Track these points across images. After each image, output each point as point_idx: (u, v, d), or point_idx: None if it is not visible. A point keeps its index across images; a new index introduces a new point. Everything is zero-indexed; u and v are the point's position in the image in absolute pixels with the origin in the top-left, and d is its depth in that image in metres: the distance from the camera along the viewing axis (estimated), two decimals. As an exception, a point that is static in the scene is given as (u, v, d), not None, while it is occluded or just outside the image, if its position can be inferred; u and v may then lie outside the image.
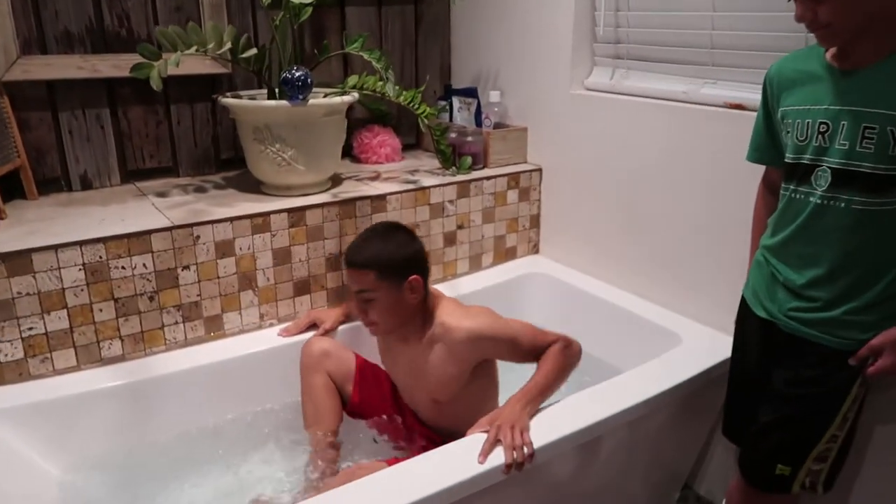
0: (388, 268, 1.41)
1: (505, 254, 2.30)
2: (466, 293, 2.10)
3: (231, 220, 1.74)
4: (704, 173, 1.76)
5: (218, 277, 1.76)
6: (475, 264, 2.23)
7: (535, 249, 2.37)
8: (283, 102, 1.79)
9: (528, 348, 1.45)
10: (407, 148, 2.50)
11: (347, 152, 2.41)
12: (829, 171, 1.18)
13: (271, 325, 1.87)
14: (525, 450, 1.28)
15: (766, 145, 1.38)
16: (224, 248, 1.75)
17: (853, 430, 1.29)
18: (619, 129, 1.98)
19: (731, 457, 1.63)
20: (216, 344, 1.78)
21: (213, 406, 1.71)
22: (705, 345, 1.72)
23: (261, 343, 1.80)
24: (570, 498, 1.55)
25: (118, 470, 1.57)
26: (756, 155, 1.43)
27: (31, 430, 1.52)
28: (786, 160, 1.27)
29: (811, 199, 1.21)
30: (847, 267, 1.21)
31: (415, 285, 1.43)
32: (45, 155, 1.92)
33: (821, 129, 1.19)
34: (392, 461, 1.44)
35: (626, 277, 2.05)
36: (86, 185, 1.99)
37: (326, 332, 1.76)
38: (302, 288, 1.90)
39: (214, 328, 1.79)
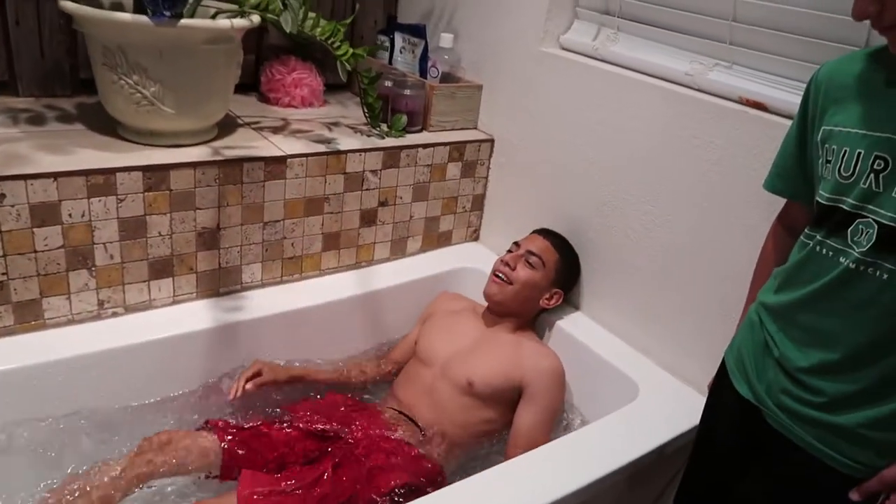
0: (564, 268, 1.58)
1: (437, 239, 1.87)
2: (383, 287, 1.69)
3: (55, 176, 1.26)
4: (702, 184, 1.36)
5: (35, 251, 1.29)
6: (398, 249, 1.80)
7: (475, 236, 1.95)
8: (144, 18, 1.28)
9: (530, 431, 1.39)
10: (333, 89, 2.00)
11: (254, 87, 1.90)
12: (874, 225, 0.84)
13: (115, 314, 1.42)
14: None
15: (794, 173, 1.03)
16: (45, 214, 1.27)
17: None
18: (596, 105, 1.54)
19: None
20: (30, 337, 1.33)
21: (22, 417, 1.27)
22: (666, 403, 1.39)
23: (99, 338, 1.36)
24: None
25: None
26: (777, 184, 1.07)
27: None
28: (818, 199, 0.92)
29: (843, 259, 0.88)
30: (871, 359, 0.87)
31: (556, 297, 1.56)
32: None
33: (875, 167, 0.84)
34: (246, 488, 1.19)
35: (580, 291, 1.66)
36: None
37: (265, 385, 1.43)
38: (161, 269, 1.44)
39: (30, 316, 1.33)
